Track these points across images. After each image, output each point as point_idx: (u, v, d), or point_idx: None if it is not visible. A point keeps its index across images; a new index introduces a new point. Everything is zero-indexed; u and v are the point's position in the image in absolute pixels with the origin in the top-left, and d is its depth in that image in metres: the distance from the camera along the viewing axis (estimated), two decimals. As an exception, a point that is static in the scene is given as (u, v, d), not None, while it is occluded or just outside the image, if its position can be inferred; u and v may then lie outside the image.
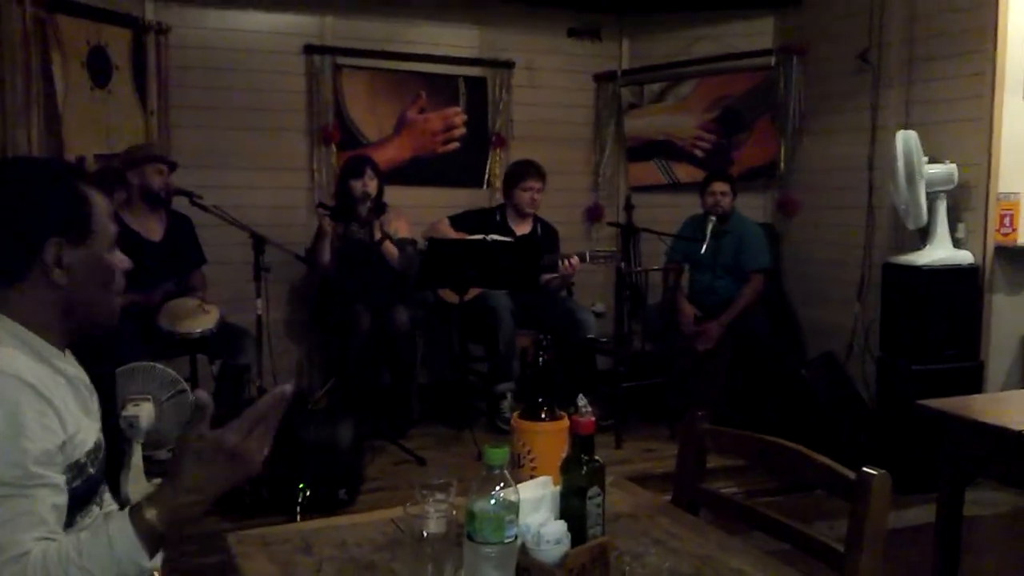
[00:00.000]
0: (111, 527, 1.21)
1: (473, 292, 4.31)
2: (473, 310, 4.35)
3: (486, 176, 5.40)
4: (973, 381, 4.01)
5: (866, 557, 1.27)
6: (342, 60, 5.05)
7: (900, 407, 3.85)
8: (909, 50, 4.51)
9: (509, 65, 5.41)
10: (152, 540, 1.21)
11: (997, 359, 4.21)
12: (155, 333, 3.83)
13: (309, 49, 4.99)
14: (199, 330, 3.88)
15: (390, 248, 4.30)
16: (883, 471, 1.31)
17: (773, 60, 5.25)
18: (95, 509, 1.42)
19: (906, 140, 4.09)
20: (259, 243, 4.06)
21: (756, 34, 5.35)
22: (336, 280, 4.37)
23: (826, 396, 4.29)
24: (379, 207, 4.42)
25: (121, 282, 1.41)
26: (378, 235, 4.26)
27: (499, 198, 5.04)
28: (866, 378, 4.49)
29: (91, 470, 1.37)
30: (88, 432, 1.38)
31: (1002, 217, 4.18)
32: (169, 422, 3.47)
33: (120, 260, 1.40)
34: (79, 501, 1.35)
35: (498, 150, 5.42)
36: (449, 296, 4.44)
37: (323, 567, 1.31)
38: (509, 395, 4.49)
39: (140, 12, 4.59)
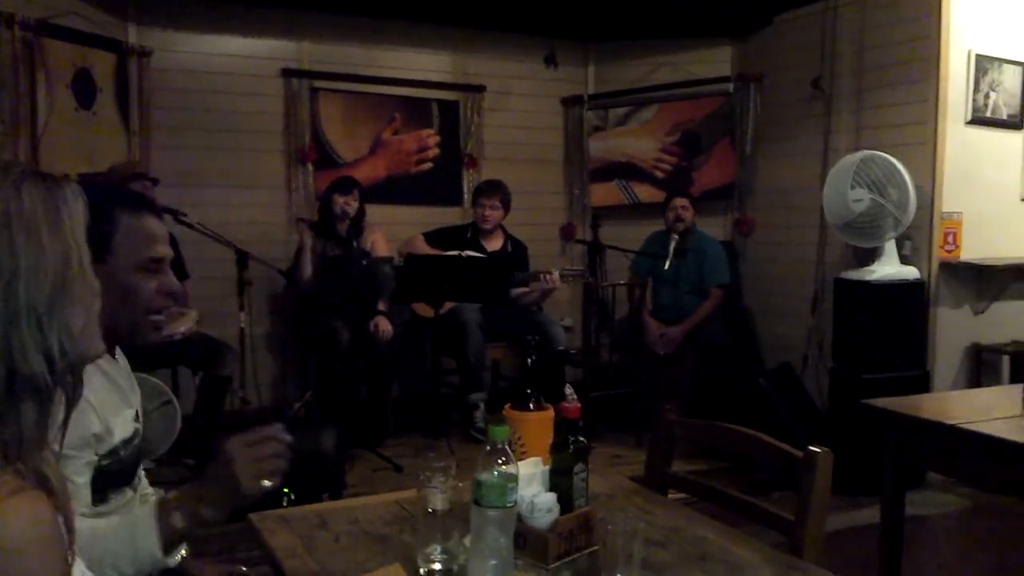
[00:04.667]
0: (136, 516, 1.34)
1: (447, 306, 4.48)
2: (445, 324, 4.53)
3: (463, 195, 5.60)
4: (920, 389, 4.23)
5: (812, 523, 1.48)
6: (319, 83, 5.23)
7: (851, 414, 4.09)
8: (859, 78, 4.80)
9: (480, 89, 5.63)
10: (172, 537, 1.32)
11: (942, 368, 4.48)
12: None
13: (287, 72, 5.16)
14: (182, 329, 3.93)
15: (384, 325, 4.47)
16: (827, 449, 1.52)
17: (731, 87, 5.53)
18: (128, 492, 1.58)
19: (894, 160, 4.31)
20: (243, 259, 4.20)
21: (715, 62, 5.64)
22: (316, 295, 4.52)
23: (782, 405, 4.52)
24: (358, 223, 4.60)
25: (157, 301, 1.47)
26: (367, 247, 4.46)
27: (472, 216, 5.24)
28: (820, 387, 4.74)
29: (122, 454, 1.51)
30: (126, 423, 1.54)
31: (946, 235, 4.46)
32: (155, 432, 3.58)
33: (152, 284, 1.46)
34: (112, 479, 1.50)
35: (470, 170, 5.62)
36: (423, 310, 4.61)
37: (340, 539, 1.48)
38: (482, 405, 4.66)
39: (123, 36, 4.74)
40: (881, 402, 2.54)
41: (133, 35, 4.80)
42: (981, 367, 4.57)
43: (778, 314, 5.29)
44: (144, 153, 4.76)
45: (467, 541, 1.36)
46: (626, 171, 5.83)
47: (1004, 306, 4.67)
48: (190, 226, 4.20)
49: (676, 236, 4.82)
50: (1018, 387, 2.77)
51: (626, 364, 5.02)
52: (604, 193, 5.87)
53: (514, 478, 1.30)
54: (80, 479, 1.41)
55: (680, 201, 4.94)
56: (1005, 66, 4.50)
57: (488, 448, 1.31)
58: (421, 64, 5.53)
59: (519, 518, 1.36)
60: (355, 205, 4.56)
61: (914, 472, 3.80)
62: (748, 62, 5.54)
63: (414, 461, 4.21)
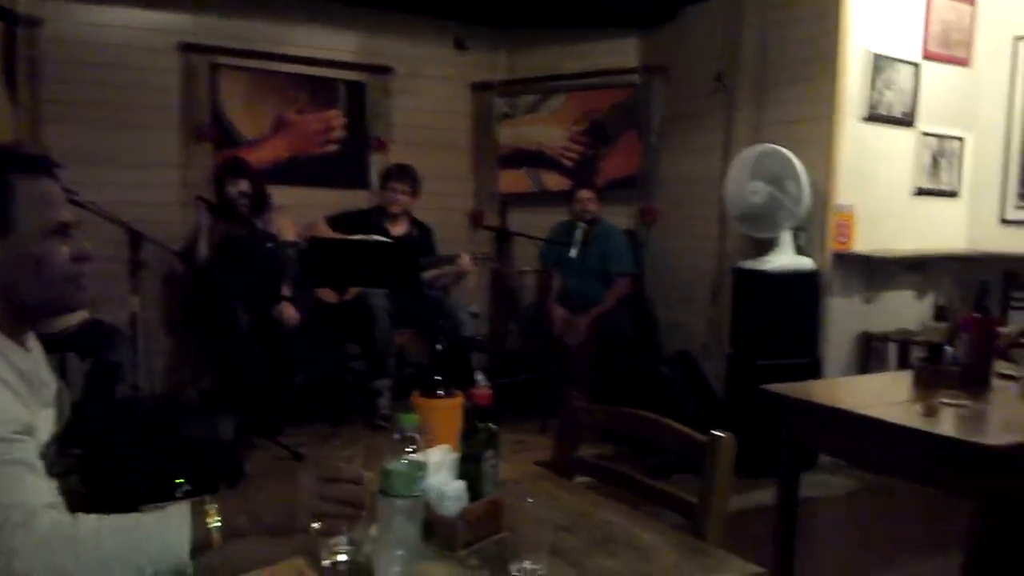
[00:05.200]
0: (168, 513, 1.20)
1: (352, 292, 4.41)
2: (351, 309, 4.46)
3: (370, 178, 5.50)
4: (812, 375, 4.39)
5: (715, 506, 1.51)
6: (219, 59, 5.06)
7: (747, 400, 4.22)
8: (760, 74, 4.93)
9: (388, 71, 5.54)
10: (202, 542, 1.19)
11: (833, 355, 4.66)
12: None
13: (185, 47, 4.97)
14: (76, 320, 3.76)
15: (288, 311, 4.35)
16: (729, 433, 1.55)
17: (637, 78, 5.60)
18: None
19: (790, 154, 4.45)
20: (136, 240, 4.03)
21: (622, 53, 5.70)
22: (214, 277, 4.38)
23: (682, 390, 4.62)
24: (259, 205, 4.47)
25: (71, 268, 1.35)
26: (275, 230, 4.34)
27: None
28: (718, 374, 4.86)
29: (47, 458, 1.33)
30: (44, 424, 1.37)
31: (839, 227, 4.63)
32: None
33: (63, 249, 1.34)
34: None
35: (378, 153, 5.53)
36: (327, 295, 4.52)
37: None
38: (386, 391, 4.61)
39: (12, 4, 4.47)
40: (778, 388, 2.61)
41: (23, 4, 4.53)
42: (869, 354, 4.78)
43: (679, 302, 5.40)
44: (33, 128, 4.51)
45: (373, 531, 1.33)
46: (535, 159, 5.84)
47: (892, 296, 4.89)
48: (81, 205, 3.97)
49: (582, 225, 4.87)
50: (906, 373, 2.90)
51: (532, 351, 5.05)
52: (513, 180, 5.87)
53: (423, 466, 1.28)
54: (38, 464, 1.24)
55: (585, 194, 5.00)
56: (899, 65, 4.69)
57: (397, 436, 1.28)
58: (327, 43, 5.40)
59: (427, 507, 1.34)
60: (245, 183, 4.44)
61: (807, 455, 3.95)
62: (654, 54, 5.62)
63: (316, 450, 4.12)
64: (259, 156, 5.04)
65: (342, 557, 1.32)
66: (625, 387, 4.60)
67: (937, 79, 4.86)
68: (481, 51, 5.88)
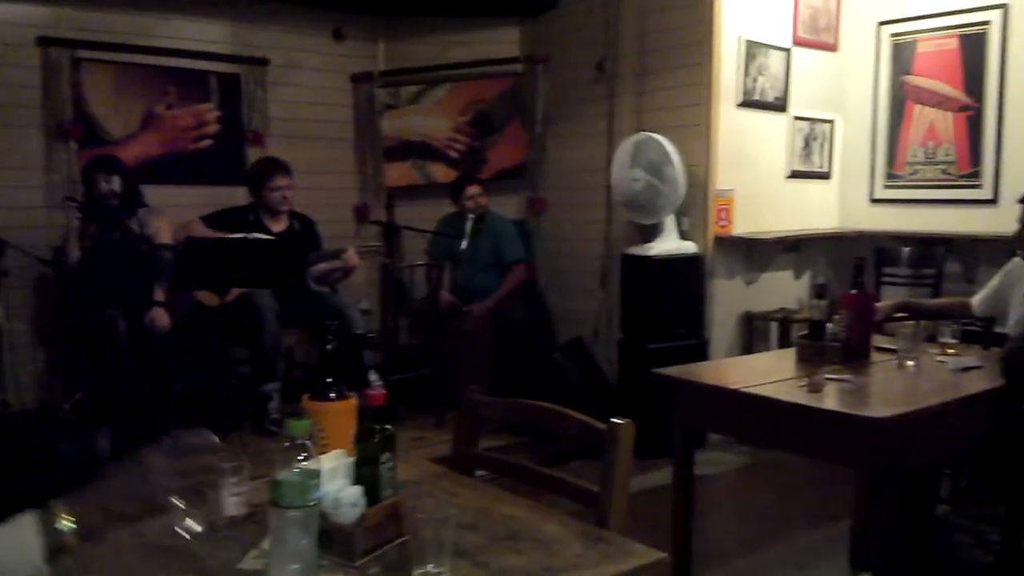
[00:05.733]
0: (17, 522, 1.17)
1: (234, 293, 4.25)
2: (235, 311, 4.29)
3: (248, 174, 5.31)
4: (699, 356, 4.50)
5: (616, 494, 1.50)
6: (82, 53, 4.76)
7: (639, 383, 4.28)
8: (640, 61, 5.00)
9: (263, 62, 5.36)
10: (57, 547, 1.19)
11: (719, 335, 4.79)
12: None
13: (44, 41, 4.66)
14: None
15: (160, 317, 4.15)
16: (628, 420, 1.55)
17: (520, 67, 5.60)
18: None
19: (665, 141, 4.53)
20: (-4, 246, 3.77)
21: (504, 42, 5.68)
22: (86, 283, 4.13)
23: (576, 376, 4.67)
24: (132, 204, 4.25)
25: None
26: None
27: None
28: (610, 359, 4.93)
29: None
30: None
31: (719, 211, 4.75)
32: None
33: None
34: None
35: (255, 147, 5.34)
36: (207, 298, 4.34)
37: (122, 553, 1.33)
38: (276, 395, 4.46)
39: None
40: (669, 371, 2.66)
41: None
42: (752, 333, 4.93)
43: (570, 290, 5.44)
44: None
45: (266, 545, 1.26)
46: (420, 151, 5.77)
47: (772, 276, 5.06)
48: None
49: (471, 216, 4.83)
50: (789, 351, 3.00)
51: (425, 345, 4.99)
52: (399, 173, 5.78)
53: (316, 474, 1.22)
54: None
55: (474, 189, 4.97)
56: (771, 51, 4.84)
57: (286, 444, 1.22)
58: (197, 34, 5.17)
59: (323, 515, 1.28)
60: (117, 181, 4.21)
61: (698, 434, 4.04)
62: (536, 43, 5.63)
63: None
64: (128, 154, 4.78)
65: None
66: (521, 377, 4.60)
67: (807, 64, 5.05)
68: (360, 41, 5.75)
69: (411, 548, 1.27)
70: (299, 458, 1.22)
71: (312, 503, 1.20)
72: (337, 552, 1.29)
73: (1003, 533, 1.87)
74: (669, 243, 4.64)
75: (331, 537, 1.29)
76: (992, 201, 4.68)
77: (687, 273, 4.65)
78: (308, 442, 1.24)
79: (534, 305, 5.23)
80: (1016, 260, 2.99)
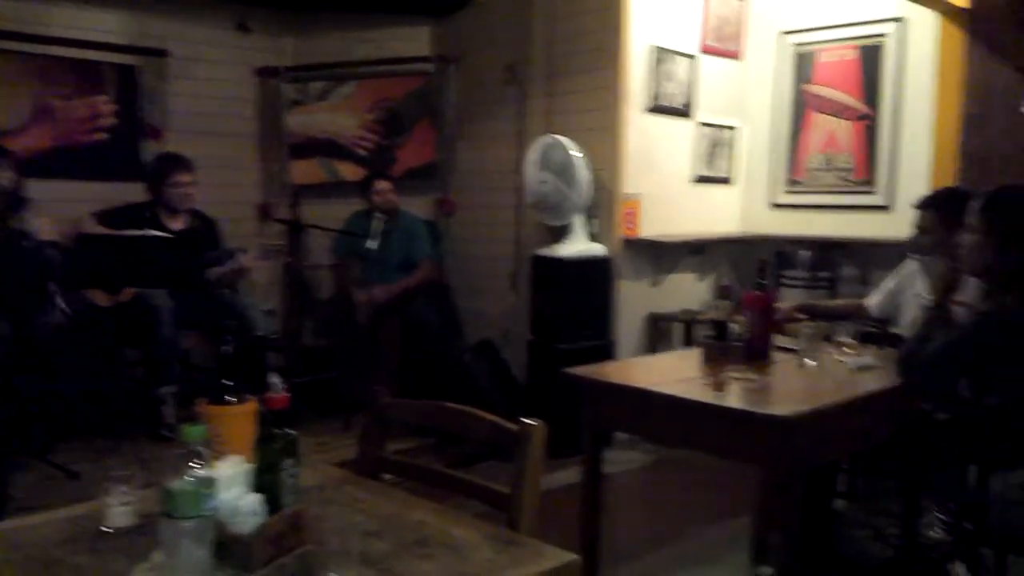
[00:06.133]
0: None
1: (128, 292, 4.07)
2: (129, 311, 4.11)
3: (144, 169, 5.08)
4: (606, 356, 4.53)
5: (528, 496, 1.48)
6: (-36, 39, 4.49)
7: (548, 384, 4.29)
8: (550, 65, 5.01)
9: (163, 54, 5.16)
10: None
11: (625, 336, 4.84)
12: None
13: (-79, 24, 4.38)
14: None
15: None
16: (540, 421, 1.52)
17: (431, 67, 5.54)
18: None
19: (570, 144, 4.56)
20: None
21: (415, 40, 5.62)
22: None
23: (485, 378, 4.65)
24: (16, 201, 4.01)
25: None
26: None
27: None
28: (519, 360, 4.92)
29: None
30: None
31: (627, 214, 4.80)
32: None
33: None
34: None
35: (153, 142, 5.13)
36: (99, 298, 4.14)
37: (2, 569, 1.24)
38: (171, 399, 4.29)
39: None
40: (579, 370, 2.66)
41: None
42: (657, 334, 5.00)
43: (480, 291, 5.42)
44: None
45: (157, 558, 1.19)
46: (328, 148, 5.65)
47: (676, 278, 5.15)
48: None
49: (379, 215, 4.75)
50: (694, 350, 3.04)
51: (331, 347, 4.88)
52: (305, 170, 5.64)
53: (211, 482, 1.16)
54: None
55: (384, 184, 4.89)
56: (677, 58, 4.92)
57: (179, 451, 1.15)
58: (93, 23, 4.93)
59: (220, 526, 1.21)
60: (9, 176, 3.97)
61: (605, 433, 4.07)
62: (447, 43, 5.59)
63: (91, 467, 3.77)
64: (17, 146, 4.51)
65: None
66: (430, 378, 4.55)
67: (712, 72, 5.16)
68: (265, 35, 5.60)
69: (314, 558, 1.22)
70: (193, 465, 1.15)
71: (207, 513, 1.14)
72: (235, 564, 1.22)
73: (901, 527, 1.93)
74: (578, 245, 4.67)
75: (228, 548, 1.22)
76: (886, 207, 4.87)
77: (595, 275, 4.69)
78: (203, 449, 1.17)
79: (443, 306, 5.18)
80: (909, 263, 3.11)
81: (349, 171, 5.59)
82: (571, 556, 1.31)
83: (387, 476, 1.75)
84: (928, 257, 2.86)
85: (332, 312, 4.85)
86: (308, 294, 5.01)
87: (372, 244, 4.63)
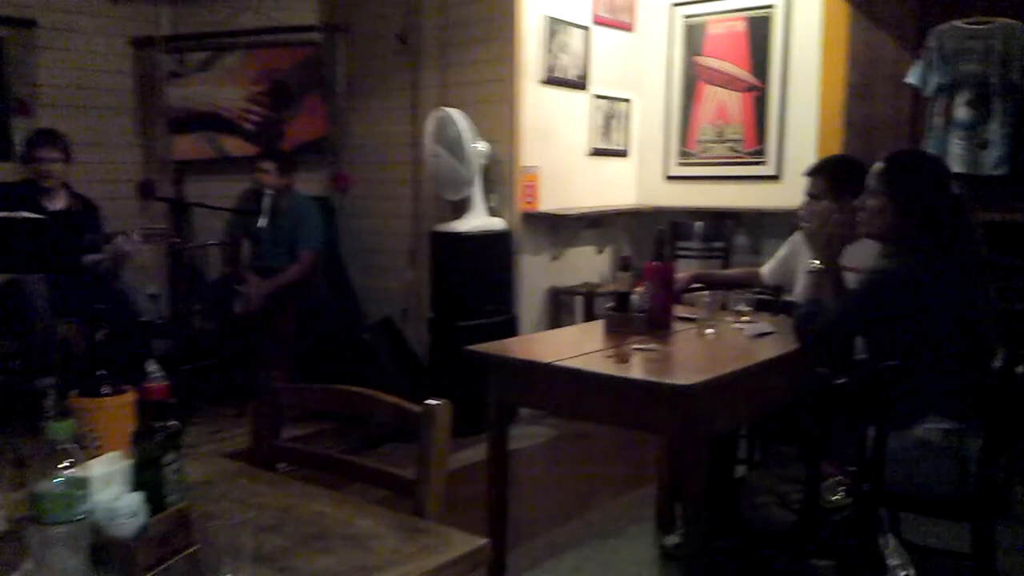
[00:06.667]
0: None
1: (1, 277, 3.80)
2: (1, 298, 3.84)
3: (13, 146, 4.74)
4: (509, 332, 4.51)
5: (434, 478, 1.42)
6: None
7: (451, 361, 4.24)
8: (443, 35, 4.90)
9: (30, 24, 4.80)
10: None
11: (528, 311, 4.82)
12: None
13: None
14: None
15: None
16: (444, 401, 1.46)
17: (319, 36, 5.34)
18: None
19: (460, 117, 4.47)
20: None
21: (300, 10, 5.40)
22: None
23: (386, 357, 4.55)
24: None
25: None
26: None
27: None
28: (421, 338, 4.84)
29: None
30: None
31: (526, 188, 4.77)
32: None
33: None
34: None
35: (22, 118, 4.78)
36: (-33, 285, 3.85)
37: None
38: (51, 391, 4.03)
39: None
40: (483, 347, 2.60)
41: None
42: (559, 308, 5.01)
43: (377, 269, 5.30)
44: None
45: (28, 567, 1.08)
46: (212, 122, 5.39)
47: (576, 252, 5.15)
48: None
49: (270, 192, 4.55)
50: (597, 323, 3.03)
51: (223, 331, 4.68)
52: (188, 146, 5.38)
53: (83, 483, 1.05)
54: None
55: (265, 165, 4.61)
56: (572, 29, 4.89)
57: (46, 449, 1.03)
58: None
59: (96, 529, 1.10)
60: None
61: (510, 409, 4.05)
62: (335, 11, 5.40)
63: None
64: None
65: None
66: (328, 360, 4.42)
67: (606, 43, 5.15)
68: (140, 3, 5.29)
69: (204, 558, 1.13)
70: (62, 466, 1.04)
71: (80, 517, 1.03)
72: (115, 569, 1.12)
73: (803, 492, 1.95)
74: (477, 220, 4.61)
75: (107, 554, 1.12)
76: (776, 177, 4.98)
77: (496, 249, 4.64)
78: (74, 446, 1.06)
79: (339, 285, 5.04)
80: (801, 232, 3.17)
81: (235, 146, 5.35)
82: (480, 541, 1.26)
83: (283, 466, 1.66)
84: (809, 225, 2.90)
85: (222, 294, 4.64)
86: (196, 276, 4.78)
87: (262, 223, 4.44)
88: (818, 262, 2.58)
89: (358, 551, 1.23)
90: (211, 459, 1.61)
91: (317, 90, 5.36)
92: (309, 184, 5.18)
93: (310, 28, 5.35)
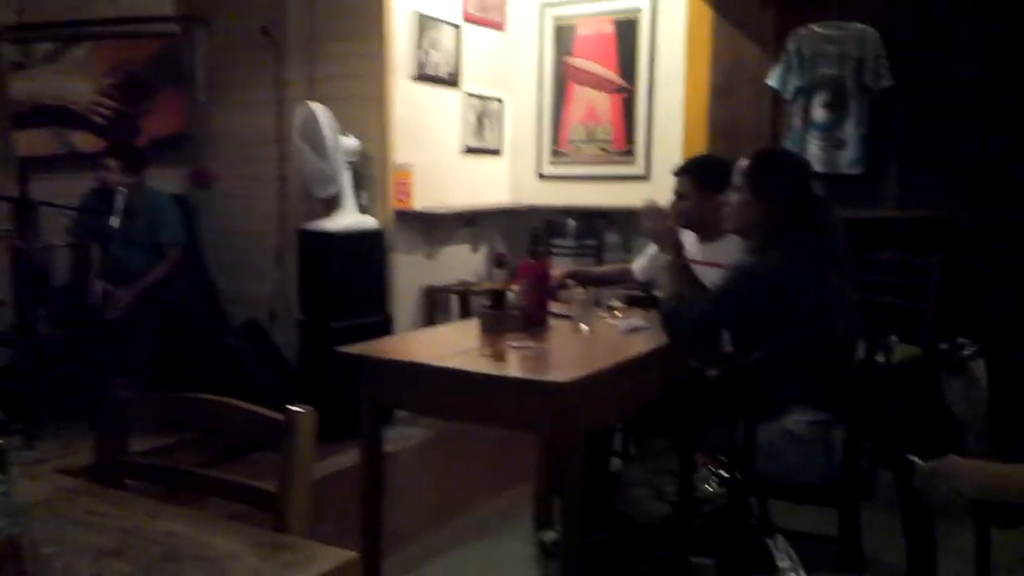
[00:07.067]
0: None
1: None
2: None
3: None
4: (383, 332, 4.41)
5: (297, 490, 1.33)
6: None
7: (323, 364, 4.11)
8: (310, 28, 4.75)
9: None
10: None
11: (402, 310, 4.74)
12: None
13: None
14: None
15: None
16: (309, 408, 1.37)
17: (176, 27, 5.08)
18: None
19: (323, 113, 4.33)
20: None
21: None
22: None
23: (253, 361, 4.37)
24: None
25: None
26: None
27: None
28: (290, 341, 4.67)
29: None
30: None
31: (398, 186, 4.68)
32: None
33: None
34: None
35: None
36: None
37: None
38: None
39: None
40: (355, 348, 2.52)
41: None
42: (434, 307, 4.94)
43: (241, 269, 5.07)
44: None
45: None
46: (59, 116, 5.03)
47: (451, 250, 5.10)
48: None
49: (122, 190, 4.27)
50: (472, 322, 2.98)
51: (70, 337, 4.37)
52: (33, 141, 5.00)
53: None
54: None
55: (109, 162, 4.34)
56: (442, 26, 4.83)
57: None
58: None
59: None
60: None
61: (385, 411, 3.96)
62: (194, 2, 5.14)
63: None
64: None
65: None
66: (190, 366, 4.20)
67: (477, 42, 5.13)
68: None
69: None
70: None
71: None
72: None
73: (677, 484, 1.96)
74: (348, 218, 4.49)
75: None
76: (644, 177, 5.07)
77: (368, 249, 4.54)
78: None
79: (200, 287, 4.81)
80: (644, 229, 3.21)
81: (85, 141, 5.01)
82: (349, 554, 1.18)
83: (131, 482, 1.53)
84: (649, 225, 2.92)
85: (70, 298, 4.34)
86: (42, 279, 4.45)
87: (114, 222, 4.16)
88: (665, 256, 2.64)
89: (213, 572, 1.13)
90: (50, 477, 1.47)
91: (174, 83, 5.09)
92: (167, 181, 4.90)
93: (166, 19, 5.07)
